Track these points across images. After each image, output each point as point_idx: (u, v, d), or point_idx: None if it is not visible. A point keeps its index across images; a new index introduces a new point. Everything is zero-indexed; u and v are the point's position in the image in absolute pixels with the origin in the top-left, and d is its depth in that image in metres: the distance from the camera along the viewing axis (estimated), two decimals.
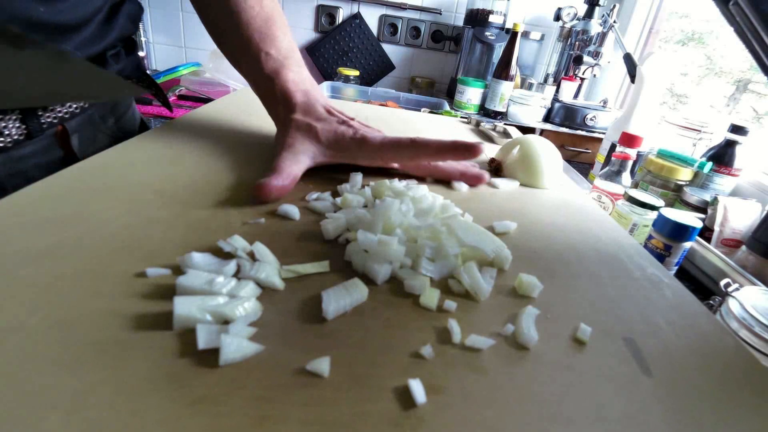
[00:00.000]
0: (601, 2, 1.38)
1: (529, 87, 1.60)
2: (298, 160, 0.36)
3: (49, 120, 0.37)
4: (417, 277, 0.25)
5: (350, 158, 0.38)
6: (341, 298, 0.22)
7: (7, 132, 0.34)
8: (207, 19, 0.43)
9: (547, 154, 0.44)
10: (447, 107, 1.34)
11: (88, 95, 0.35)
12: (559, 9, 1.44)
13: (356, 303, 0.22)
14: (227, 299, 0.20)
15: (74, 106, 0.39)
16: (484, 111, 1.46)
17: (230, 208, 0.31)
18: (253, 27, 0.40)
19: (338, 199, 0.33)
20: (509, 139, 0.47)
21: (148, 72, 0.50)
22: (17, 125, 0.35)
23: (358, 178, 0.37)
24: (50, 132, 0.38)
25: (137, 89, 0.49)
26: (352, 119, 0.40)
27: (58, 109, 0.38)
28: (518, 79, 1.59)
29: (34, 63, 0.19)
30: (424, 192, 0.35)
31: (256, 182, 0.32)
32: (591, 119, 1.41)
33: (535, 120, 1.44)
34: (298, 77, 0.41)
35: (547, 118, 1.48)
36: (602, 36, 1.37)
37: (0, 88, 0.20)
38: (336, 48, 1.74)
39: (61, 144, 0.39)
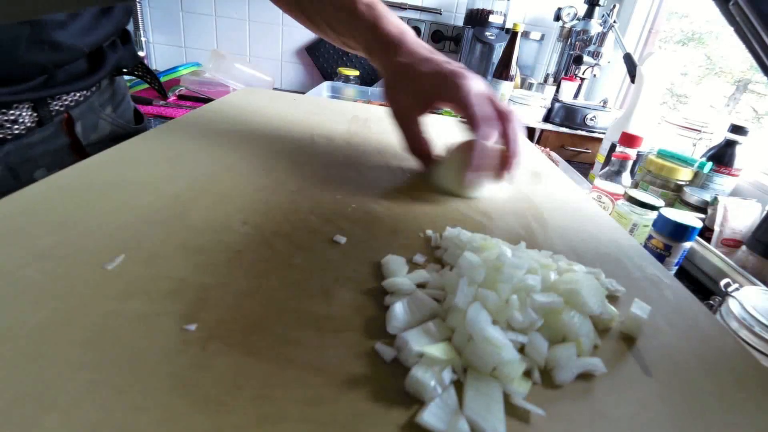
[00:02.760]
0: (601, 2, 1.38)
1: (529, 87, 1.60)
2: (409, 116, 0.40)
3: (57, 108, 0.39)
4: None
5: (441, 100, 0.39)
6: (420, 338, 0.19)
7: (21, 120, 0.37)
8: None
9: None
10: None
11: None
12: (559, 9, 1.44)
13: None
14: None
15: (78, 94, 0.42)
16: None
17: (230, 208, 0.31)
18: None
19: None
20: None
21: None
22: (30, 113, 0.37)
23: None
24: (58, 119, 0.40)
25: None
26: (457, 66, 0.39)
27: (65, 97, 0.40)
28: (518, 79, 1.59)
29: None
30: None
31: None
32: (591, 119, 1.41)
33: (535, 120, 1.44)
34: (396, 22, 0.42)
35: (547, 118, 1.48)
36: (602, 36, 1.37)
37: None
38: (336, 48, 1.74)
39: (67, 131, 0.42)
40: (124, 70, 0.49)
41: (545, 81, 1.60)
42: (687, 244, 0.55)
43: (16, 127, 0.37)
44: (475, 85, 0.38)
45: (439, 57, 0.40)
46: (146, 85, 1.26)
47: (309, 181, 0.37)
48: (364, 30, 0.42)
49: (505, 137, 0.38)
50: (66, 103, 0.41)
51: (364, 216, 0.33)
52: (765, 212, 0.67)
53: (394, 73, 0.40)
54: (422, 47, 0.41)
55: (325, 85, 1.40)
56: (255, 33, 1.73)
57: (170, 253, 0.24)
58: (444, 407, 0.17)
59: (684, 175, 0.78)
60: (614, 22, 1.32)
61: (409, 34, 0.42)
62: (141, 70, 0.51)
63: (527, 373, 0.19)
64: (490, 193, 0.40)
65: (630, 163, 0.66)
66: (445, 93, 0.37)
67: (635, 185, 0.84)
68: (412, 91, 0.39)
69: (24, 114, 0.37)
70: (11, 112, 0.36)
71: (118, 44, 0.46)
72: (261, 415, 0.16)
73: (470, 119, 0.37)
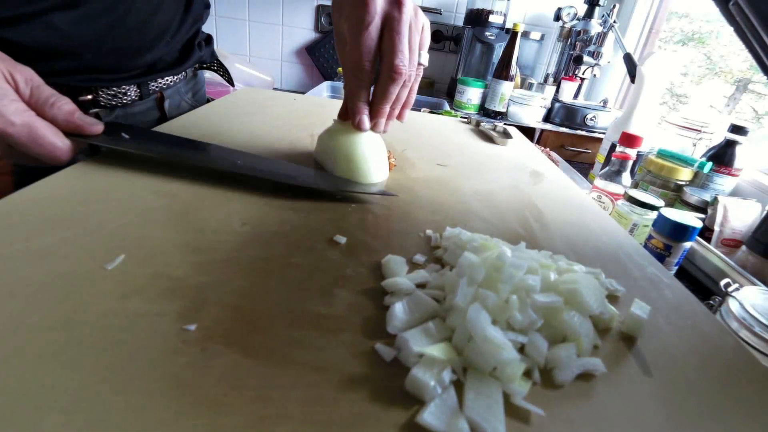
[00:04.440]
0: (601, 2, 1.38)
1: (529, 87, 1.60)
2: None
3: (153, 88, 0.52)
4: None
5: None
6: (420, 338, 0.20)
7: (128, 94, 0.49)
8: None
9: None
10: (447, 107, 1.34)
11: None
12: (559, 9, 1.44)
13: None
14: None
15: (169, 79, 0.54)
16: (484, 111, 1.46)
17: (230, 208, 0.31)
18: None
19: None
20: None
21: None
22: (135, 89, 0.49)
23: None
24: (153, 96, 0.52)
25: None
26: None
27: (159, 80, 0.52)
28: (518, 79, 1.59)
29: None
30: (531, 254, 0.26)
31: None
32: (591, 119, 1.41)
33: (535, 120, 1.44)
34: None
35: (547, 118, 1.48)
36: (602, 36, 1.37)
37: None
38: (336, 48, 1.74)
39: (158, 107, 0.54)
40: (204, 64, 0.62)
41: (545, 81, 1.60)
42: (687, 244, 0.55)
43: (126, 98, 0.49)
44: (377, 10, 0.32)
45: None
46: None
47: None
48: None
49: (376, 92, 0.35)
50: (160, 85, 0.53)
51: (364, 216, 0.33)
52: (765, 212, 0.67)
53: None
54: None
55: (325, 85, 1.40)
56: (255, 33, 1.73)
57: (170, 253, 0.24)
58: (444, 407, 0.17)
59: (684, 175, 0.78)
60: (614, 22, 1.32)
61: None
62: (216, 65, 0.64)
63: (527, 373, 0.19)
64: (376, 178, 0.39)
65: (630, 163, 0.66)
66: (345, 20, 0.34)
67: (635, 185, 0.84)
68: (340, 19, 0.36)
69: (131, 90, 0.49)
70: (123, 87, 0.48)
71: (203, 45, 0.59)
72: (261, 416, 0.16)
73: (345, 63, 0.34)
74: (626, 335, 0.23)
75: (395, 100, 0.37)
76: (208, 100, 0.66)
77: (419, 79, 0.37)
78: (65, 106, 0.31)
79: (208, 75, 0.68)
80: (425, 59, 0.37)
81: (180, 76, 0.56)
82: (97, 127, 0.33)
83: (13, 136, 0.28)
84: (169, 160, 0.35)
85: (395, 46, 0.32)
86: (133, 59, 0.47)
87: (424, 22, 0.36)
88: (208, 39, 0.62)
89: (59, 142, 0.30)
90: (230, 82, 0.68)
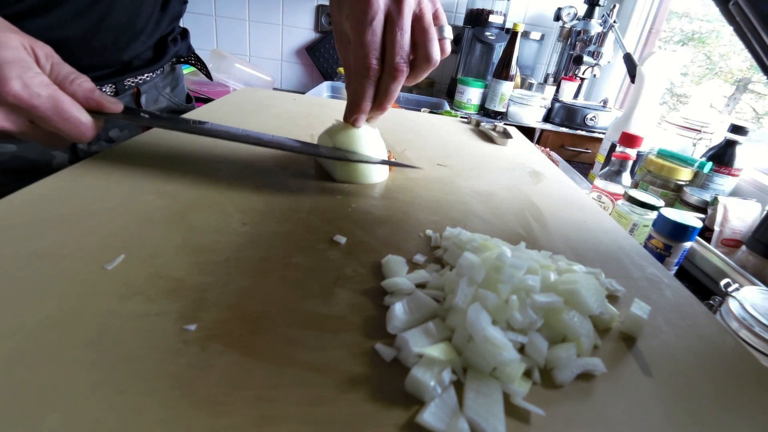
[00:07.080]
0: (601, 2, 1.38)
1: (529, 87, 1.60)
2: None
3: (129, 83, 0.52)
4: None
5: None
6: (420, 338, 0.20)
7: (103, 90, 0.48)
8: None
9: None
10: (447, 107, 1.34)
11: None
12: (559, 9, 1.44)
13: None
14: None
15: (146, 75, 0.54)
16: (484, 111, 1.46)
17: (230, 208, 0.31)
18: None
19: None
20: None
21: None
22: (110, 86, 0.49)
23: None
24: (129, 92, 0.53)
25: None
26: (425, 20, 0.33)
27: (137, 76, 0.52)
28: (518, 79, 1.59)
29: None
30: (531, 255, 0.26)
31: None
32: (591, 119, 1.41)
33: (535, 120, 1.44)
34: None
35: (547, 118, 1.48)
36: (602, 36, 1.37)
37: None
38: (336, 48, 1.74)
39: (135, 101, 0.54)
40: (182, 59, 0.62)
41: (545, 81, 1.60)
42: (687, 244, 0.55)
43: None
44: (380, 5, 0.31)
45: None
46: None
47: (309, 182, 0.37)
48: None
49: (378, 90, 0.34)
50: (136, 80, 0.52)
51: (364, 216, 0.33)
52: (765, 212, 0.67)
53: None
54: None
55: (325, 85, 1.40)
56: (255, 33, 1.73)
57: (170, 253, 0.24)
58: (444, 407, 0.17)
59: (684, 175, 0.78)
60: (614, 22, 1.32)
61: None
62: (193, 58, 0.64)
63: (527, 373, 0.19)
64: (376, 179, 0.39)
65: (630, 163, 0.66)
66: (347, 18, 0.32)
67: (635, 185, 0.84)
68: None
69: (105, 87, 0.49)
70: (98, 84, 0.45)
71: (178, 39, 0.58)
72: (261, 416, 0.16)
73: (351, 60, 0.33)
74: (626, 335, 0.23)
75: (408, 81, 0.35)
76: (208, 100, 0.66)
77: (446, 53, 0.36)
78: (85, 83, 0.31)
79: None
80: (449, 33, 0.35)
81: (157, 71, 0.56)
82: (117, 106, 0.33)
83: (39, 109, 0.28)
84: (191, 132, 0.37)
85: (396, 42, 0.32)
86: (107, 59, 0.47)
87: (433, 3, 0.34)
88: (184, 33, 0.61)
89: (83, 117, 0.30)
90: (208, 75, 0.68)
